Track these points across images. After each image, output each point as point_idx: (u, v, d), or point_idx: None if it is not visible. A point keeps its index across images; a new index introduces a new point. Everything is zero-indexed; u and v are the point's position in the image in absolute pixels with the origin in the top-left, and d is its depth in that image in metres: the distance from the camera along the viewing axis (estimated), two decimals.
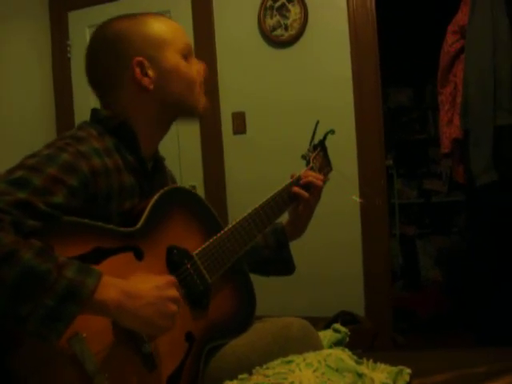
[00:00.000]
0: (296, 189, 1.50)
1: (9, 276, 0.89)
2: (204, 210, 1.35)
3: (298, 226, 1.57)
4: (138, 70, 1.26)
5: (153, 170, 1.35)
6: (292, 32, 3.15)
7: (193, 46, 1.39)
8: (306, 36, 3.14)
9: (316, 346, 1.34)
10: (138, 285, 1.06)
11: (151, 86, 1.27)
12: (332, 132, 1.65)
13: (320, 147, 1.66)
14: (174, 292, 1.09)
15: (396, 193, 4.91)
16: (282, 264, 1.59)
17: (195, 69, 1.35)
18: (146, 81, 1.26)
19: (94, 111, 1.31)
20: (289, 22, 3.15)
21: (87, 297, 0.95)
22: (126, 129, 1.27)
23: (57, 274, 0.93)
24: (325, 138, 1.67)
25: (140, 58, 1.26)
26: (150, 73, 1.27)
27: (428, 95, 4.95)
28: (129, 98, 1.28)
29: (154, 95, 1.28)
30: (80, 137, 1.18)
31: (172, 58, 1.29)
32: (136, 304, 1.03)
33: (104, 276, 1.00)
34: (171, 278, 1.12)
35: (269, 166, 3.18)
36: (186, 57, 1.33)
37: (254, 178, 3.24)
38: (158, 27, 1.30)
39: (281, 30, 3.17)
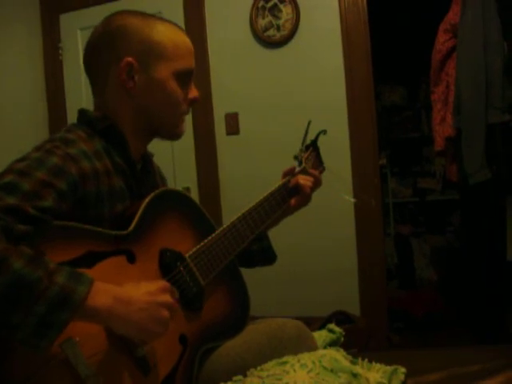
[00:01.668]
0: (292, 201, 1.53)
1: None
2: (196, 211, 1.35)
3: (277, 220, 1.56)
4: (125, 70, 1.24)
5: (142, 171, 1.35)
6: (284, 32, 3.15)
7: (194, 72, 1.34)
8: (298, 36, 3.14)
9: (310, 347, 1.34)
10: (130, 291, 1.06)
11: (133, 91, 1.25)
12: (324, 132, 1.66)
13: (312, 147, 1.66)
14: (166, 297, 1.09)
15: (390, 192, 4.92)
16: (263, 254, 1.59)
17: (183, 94, 1.31)
18: (129, 83, 1.25)
19: (81, 112, 1.30)
20: (281, 22, 3.15)
21: (79, 303, 0.95)
22: (115, 131, 1.26)
23: (48, 281, 0.92)
24: (317, 138, 1.67)
25: (131, 59, 1.23)
26: (137, 78, 1.24)
27: (421, 94, 4.96)
28: (113, 96, 1.27)
29: (134, 101, 1.27)
30: (69, 139, 1.17)
31: (164, 73, 1.26)
32: (128, 309, 1.02)
33: (95, 282, 0.99)
34: (164, 283, 1.12)
35: (262, 166, 3.17)
36: (180, 79, 1.29)
37: (247, 178, 3.24)
38: (165, 37, 1.27)
39: (273, 30, 3.17)
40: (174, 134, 1.35)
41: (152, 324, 1.05)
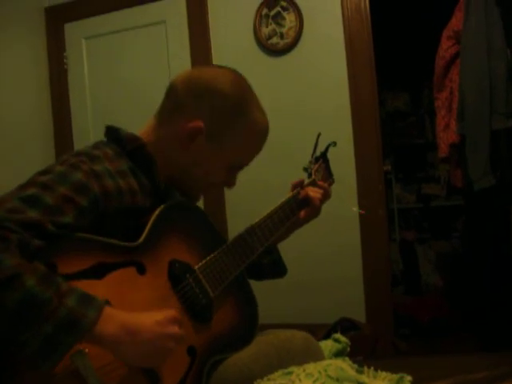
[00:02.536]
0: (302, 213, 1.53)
1: (10, 300, 0.90)
2: (206, 223, 1.35)
3: (287, 232, 1.56)
4: (189, 132, 1.24)
5: (165, 190, 1.34)
6: (288, 40, 3.16)
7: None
8: (301, 44, 3.16)
9: (318, 359, 1.34)
10: (140, 318, 1.05)
11: (184, 149, 1.27)
12: (334, 144, 1.65)
13: (322, 159, 1.65)
14: (174, 329, 1.08)
15: (395, 198, 4.92)
16: (273, 267, 1.60)
17: (224, 178, 1.34)
18: (185, 143, 1.26)
19: (111, 129, 1.29)
20: (284, 30, 3.16)
21: (87, 329, 0.95)
22: (145, 153, 1.26)
23: (58, 303, 0.93)
24: (326, 150, 1.66)
25: (203, 126, 1.24)
26: (197, 143, 1.26)
27: (424, 99, 4.97)
28: (166, 138, 1.28)
29: (178, 154, 1.28)
30: (94, 155, 1.17)
31: (224, 155, 1.28)
32: (134, 340, 1.02)
33: (105, 308, 0.99)
34: (174, 314, 1.10)
35: (267, 174, 3.17)
36: (231, 168, 1.32)
37: (251, 184, 3.23)
38: (249, 128, 1.28)
39: (276, 38, 3.18)
40: (189, 196, 1.37)
41: (156, 355, 1.05)
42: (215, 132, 1.26)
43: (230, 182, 1.37)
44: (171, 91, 1.30)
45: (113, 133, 1.29)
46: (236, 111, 1.27)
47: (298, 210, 1.52)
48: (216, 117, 1.25)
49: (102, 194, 1.11)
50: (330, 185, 1.66)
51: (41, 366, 0.92)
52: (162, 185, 1.32)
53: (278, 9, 3.17)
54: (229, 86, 1.27)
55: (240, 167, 1.35)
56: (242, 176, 3.21)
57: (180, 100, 1.27)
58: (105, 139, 1.29)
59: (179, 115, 1.26)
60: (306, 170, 1.61)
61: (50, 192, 1.04)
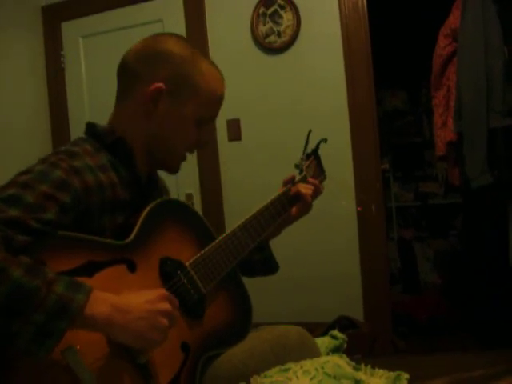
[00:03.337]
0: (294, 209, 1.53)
1: None
2: (196, 220, 1.35)
3: (278, 229, 1.56)
4: (152, 94, 1.25)
5: (148, 184, 1.35)
6: (285, 38, 3.16)
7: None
8: (298, 42, 3.15)
9: (313, 354, 1.34)
10: (129, 299, 1.06)
11: (151, 116, 1.27)
12: (324, 140, 1.66)
13: (313, 156, 1.66)
14: (165, 305, 1.09)
15: (393, 196, 4.92)
16: (265, 264, 1.59)
17: (197, 136, 1.34)
18: (151, 107, 1.26)
19: (89, 125, 1.30)
20: (281, 28, 3.16)
21: (77, 312, 0.95)
22: (123, 145, 1.26)
23: (46, 291, 0.93)
24: (317, 146, 1.67)
25: (163, 86, 1.25)
26: (160, 104, 1.26)
27: (422, 98, 4.97)
28: (131, 112, 1.28)
29: (148, 124, 1.28)
30: (74, 152, 1.18)
31: (188, 112, 1.29)
32: (126, 318, 1.03)
33: (94, 291, 1.00)
34: (163, 292, 1.12)
35: (265, 172, 3.18)
36: (200, 123, 1.32)
37: (250, 184, 3.24)
38: (205, 80, 1.29)
39: (274, 36, 3.18)
40: (170, 168, 1.37)
41: (151, 332, 1.06)
42: (174, 88, 1.26)
43: (203, 140, 1.36)
44: (123, 70, 1.31)
45: (90, 128, 1.30)
46: (187, 64, 1.28)
47: (289, 206, 1.53)
48: (171, 74, 1.26)
49: (82, 189, 1.12)
50: (322, 181, 1.67)
51: (37, 354, 0.92)
52: (144, 177, 1.33)
53: (276, 7, 3.17)
54: (174, 44, 1.30)
55: (208, 120, 1.35)
56: (240, 175, 3.24)
57: (134, 72, 1.28)
58: (84, 136, 1.30)
59: (137, 86, 1.27)
60: (297, 166, 1.62)
61: (30, 191, 1.04)
